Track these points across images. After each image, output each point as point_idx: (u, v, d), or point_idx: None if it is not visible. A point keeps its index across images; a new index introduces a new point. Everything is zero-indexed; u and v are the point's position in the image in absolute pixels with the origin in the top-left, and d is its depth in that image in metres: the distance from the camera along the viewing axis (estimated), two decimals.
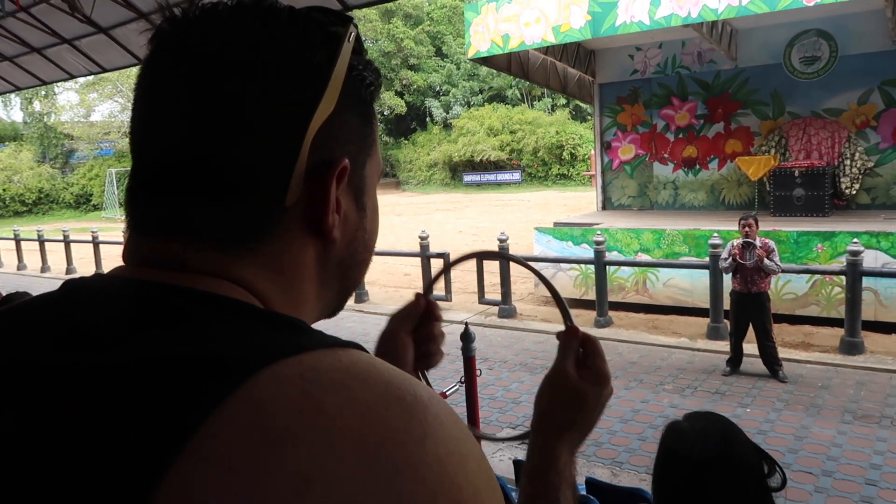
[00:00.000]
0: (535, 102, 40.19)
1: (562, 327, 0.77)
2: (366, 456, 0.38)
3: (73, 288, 0.50)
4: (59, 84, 34.92)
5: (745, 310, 6.41)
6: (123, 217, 0.55)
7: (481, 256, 0.92)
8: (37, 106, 39.79)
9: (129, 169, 0.55)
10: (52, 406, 0.41)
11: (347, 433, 0.39)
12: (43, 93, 38.09)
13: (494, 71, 29.90)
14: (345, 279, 0.59)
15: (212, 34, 0.50)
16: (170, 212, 0.50)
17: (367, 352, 0.47)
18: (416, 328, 0.80)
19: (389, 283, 12.51)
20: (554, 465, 0.73)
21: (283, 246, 0.52)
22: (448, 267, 0.86)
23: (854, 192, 10.61)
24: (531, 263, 0.85)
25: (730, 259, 6.41)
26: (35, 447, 0.39)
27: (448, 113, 41.40)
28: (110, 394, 0.40)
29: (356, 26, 0.54)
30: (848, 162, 10.56)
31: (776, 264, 6.24)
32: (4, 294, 3.56)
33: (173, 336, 0.43)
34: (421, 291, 0.81)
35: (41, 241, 15.60)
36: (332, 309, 0.60)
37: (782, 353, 6.80)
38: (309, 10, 0.53)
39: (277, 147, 0.49)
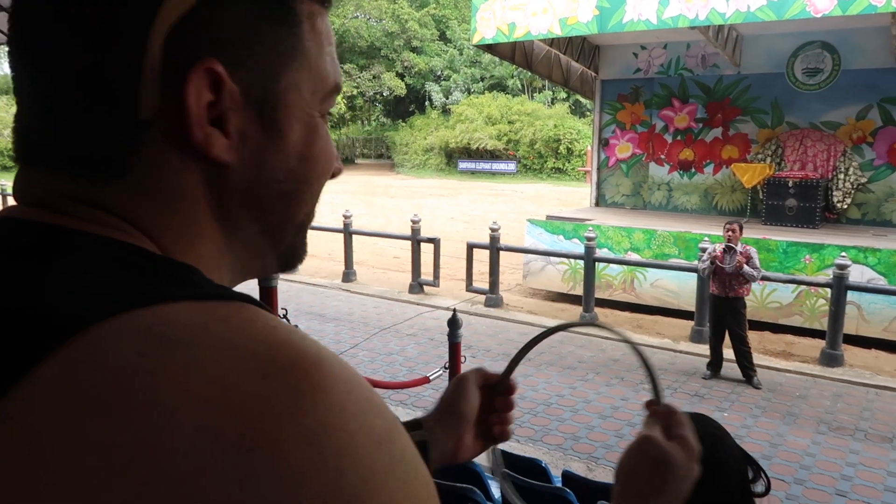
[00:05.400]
0: (535, 94, 40.11)
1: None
2: (209, 429, 0.32)
3: None
4: None
5: (722, 313, 6.48)
6: None
7: (565, 328, 0.91)
8: None
9: None
10: None
11: (191, 401, 0.32)
12: None
13: (497, 59, 29.78)
14: (267, 213, 0.49)
15: None
16: (33, 134, 0.44)
17: (261, 307, 0.40)
18: (495, 395, 0.81)
19: (378, 264, 12.49)
20: None
21: (154, 170, 0.43)
22: (532, 345, 0.84)
23: (845, 207, 10.68)
24: (633, 342, 0.83)
25: (708, 262, 6.46)
26: None
27: (447, 98, 41.26)
28: None
29: None
30: (842, 176, 10.62)
31: (755, 270, 6.29)
32: None
33: (15, 282, 0.38)
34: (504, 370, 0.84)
35: None
36: (269, 259, 0.52)
37: (763, 360, 6.88)
38: None
39: (122, 49, 0.41)
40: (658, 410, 0.73)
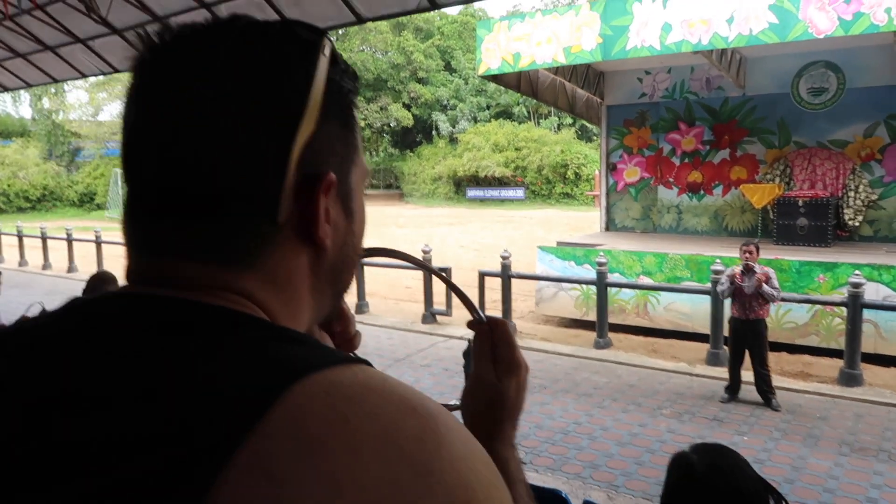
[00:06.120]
0: (541, 120, 40.35)
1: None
2: (388, 462, 0.41)
3: (85, 309, 0.51)
4: (69, 82, 35.06)
5: (743, 336, 6.43)
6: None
7: (381, 253, 0.91)
8: (45, 103, 39.90)
9: None
10: (92, 440, 0.41)
11: (370, 442, 0.42)
12: (52, 90, 38.24)
13: (502, 87, 30.04)
14: (337, 283, 0.61)
15: (190, 60, 0.52)
16: (172, 232, 0.52)
17: (374, 367, 0.50)
18: (335, 326, 0.84)
19: (390, 295, 12.49)
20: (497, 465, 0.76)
21: (280, 259, 0.54)
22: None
23: (857, 224, 10.64)
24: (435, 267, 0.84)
25: (728, 284, 6.44)
26: (90, 481, 0.40)
27: (454, 127, 41.57)
28: (155, 417, 0.42)
29: (330, 39, 0.56)
30: (852, 194, 10.60)
31: (775, 290, 6.27)
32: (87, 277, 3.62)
33: (202, 353, 0.45)
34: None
35: (44, 239, 15.60)
36: (326, 313, 0.63)
37: (781, 381, 6.80)
38: (282, 25, 0.54)
39: (265, 167, 0.51)
40: (482, 328, 0.74)
